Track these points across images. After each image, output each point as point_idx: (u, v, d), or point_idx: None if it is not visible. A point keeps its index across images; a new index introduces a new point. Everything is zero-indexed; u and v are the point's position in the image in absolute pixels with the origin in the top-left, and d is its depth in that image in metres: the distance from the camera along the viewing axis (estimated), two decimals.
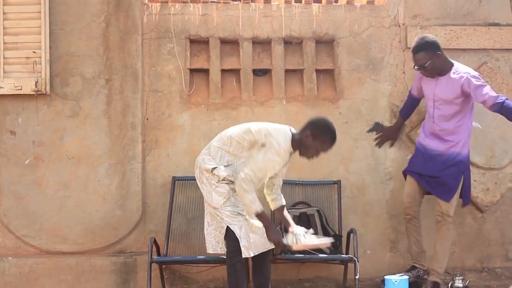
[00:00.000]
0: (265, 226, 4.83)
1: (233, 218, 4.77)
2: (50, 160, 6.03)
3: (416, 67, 5.72)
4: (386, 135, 6.26)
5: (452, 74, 5.68)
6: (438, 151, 5.76)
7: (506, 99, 5.49)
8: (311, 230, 4.99)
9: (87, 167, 6.04)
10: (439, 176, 5.74)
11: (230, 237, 4.79)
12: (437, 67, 5.68)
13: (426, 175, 5.79)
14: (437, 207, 5.81)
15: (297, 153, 4.98)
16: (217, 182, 4.83)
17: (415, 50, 5.69)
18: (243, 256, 4.75)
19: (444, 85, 5.69)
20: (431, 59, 5.63)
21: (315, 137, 4.83)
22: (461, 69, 5.71)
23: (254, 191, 4.76)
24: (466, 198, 5.87)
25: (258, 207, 4.75)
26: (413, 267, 5.91)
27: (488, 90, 5.54)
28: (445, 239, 5.78)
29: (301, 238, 4.88)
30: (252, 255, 4.79)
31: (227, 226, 4.79)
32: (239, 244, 4.75)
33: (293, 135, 4.91)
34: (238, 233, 4.71)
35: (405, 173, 5.99)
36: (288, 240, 4.89)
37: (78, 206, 6.03)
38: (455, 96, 5.66)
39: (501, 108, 5.48)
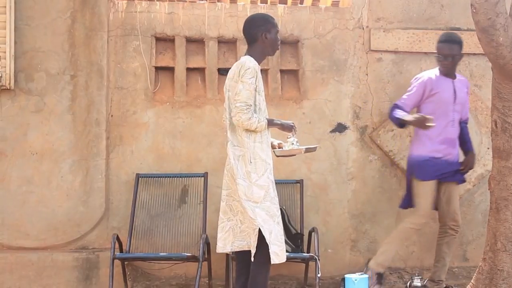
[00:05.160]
0: (280, 127, 4.82)
1: (266, 220, 4.60)
2: (13, 155, 6.00)
3: (441, 56, 5.75)
4: None
5: (459, 77, 5.88)
6: (454, 156, 5.80)
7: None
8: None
9: (50, 163, 6.03)
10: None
11: (261, 240, 4.61)
12: (456, 66, 5.86)
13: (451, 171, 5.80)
14: (450, 219, 5.89)
15: None
16: (258, 176, 4.65)
17: (451, 40, 5.78)
18: (272, 262, 4.61)
19: (461, 87, 5.83)
20: (460, 55, 5.80)
21: (269, 30, 4.78)
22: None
23: (252, 112, 4.61)
24: None
25: (263, 121, 4.65)
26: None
27: None
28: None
29: (295, 145, 4.90)
30: (279, 262, 4.65)
31: (259, 229, 4.60)
32: (268, 249, 4.62)
33: (250, 55, 4.80)
34: (268, 238, 4.58)
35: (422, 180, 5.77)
36: (285, 147, 4.91)
37: (41, 201, 6.01)
38: (467, 97, 5.90)
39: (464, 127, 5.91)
